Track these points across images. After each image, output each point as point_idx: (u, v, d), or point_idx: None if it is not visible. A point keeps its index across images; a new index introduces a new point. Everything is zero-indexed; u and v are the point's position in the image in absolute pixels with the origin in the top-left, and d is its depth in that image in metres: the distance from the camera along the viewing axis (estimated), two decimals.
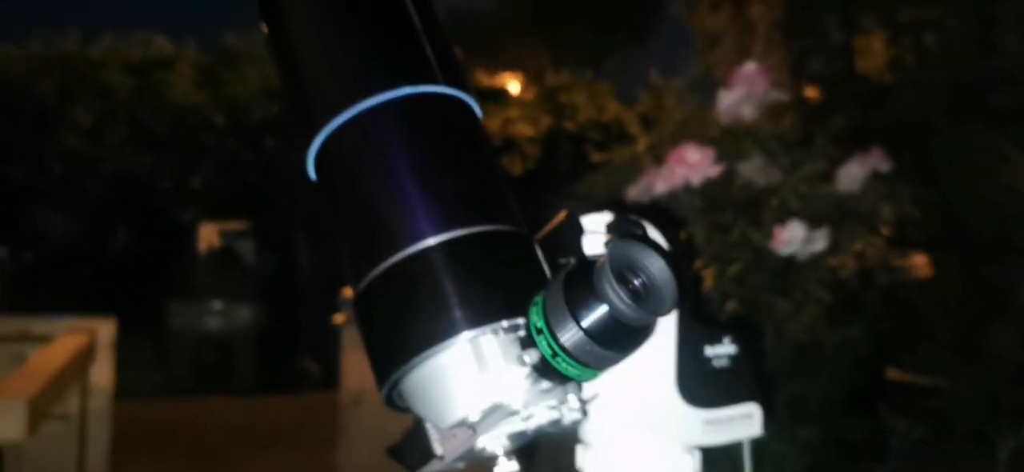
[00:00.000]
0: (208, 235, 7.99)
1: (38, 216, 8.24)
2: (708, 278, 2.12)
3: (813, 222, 2.19)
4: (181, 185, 8.29)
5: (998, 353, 2.46)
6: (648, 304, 0.56)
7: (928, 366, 2.53)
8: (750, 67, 2.20)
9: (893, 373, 2.61)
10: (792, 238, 2.07)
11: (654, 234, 0.74)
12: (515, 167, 8.06)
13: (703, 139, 2.34)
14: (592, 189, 2.87)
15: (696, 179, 2.07)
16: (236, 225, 8.04)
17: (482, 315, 0.61)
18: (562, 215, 0.72)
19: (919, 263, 3.29)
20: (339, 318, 4.45)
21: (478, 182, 0.68)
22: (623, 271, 0.56)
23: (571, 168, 7.44)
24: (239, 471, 5.21)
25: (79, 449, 2.72)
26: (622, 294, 0.55)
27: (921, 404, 2.31)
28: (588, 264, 0.57)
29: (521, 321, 0.61)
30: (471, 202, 0.66)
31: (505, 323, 0.61)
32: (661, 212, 2.09)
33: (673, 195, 2.13)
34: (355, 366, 4.13)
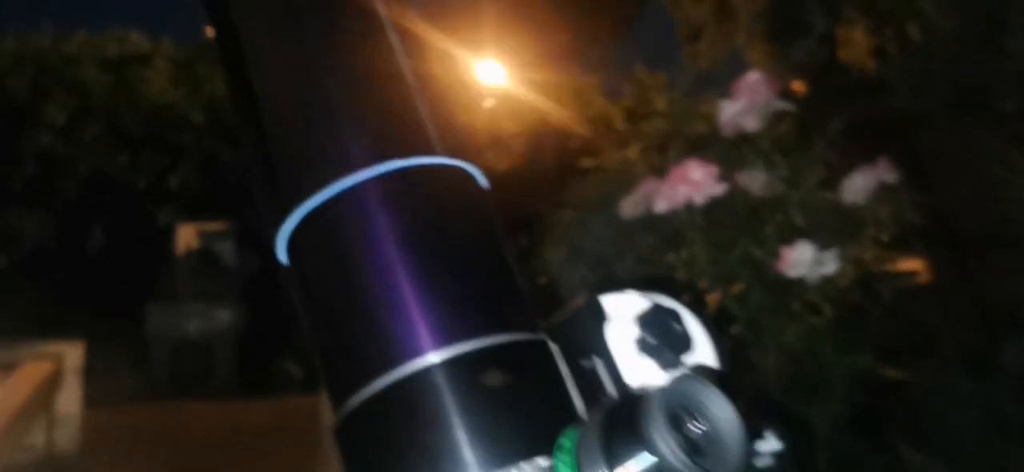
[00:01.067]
0: (186, 236, 7.86)
1: (11, 217, 8.08)
2: (712, 300, 2.03)
3: (816, 234, 2.10)
4: (158, 185, 8.16)
5: (1006, 368, 2.38)
6: (707, 459, 0.44)
7: (934, 382, 2.44)
8: (753, 76, 2.09)
9: (899, 388, 2.53)
10: (800, 259, 1.96)
11: (691, 323, 0.63)
12: (500, 163, 7.96)
13: (694, 141, 2.24)
14: (584, 196, 2.76)
15: (699, 198, 1.97)
16: (215, 226, 7.91)
17: (499, 455, 0.49)
18: (579, 301, 0.61)
19: (916, 268, 3.21)
20: None
21: (489, 277, 0.55)
22: (678, 413, 0.45)
23: (556, 166, 7.36)
24: None
25: None
26: (674, 444, 0.44)
27: (930, 428, 2.22)
28: (633, 401, 0.46)
29: (544, 463, 0.49)
30: (482, 306, 0.53)
31: (527, 468, 0.49)
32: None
33: (674, 213, 2.02)
34: None
